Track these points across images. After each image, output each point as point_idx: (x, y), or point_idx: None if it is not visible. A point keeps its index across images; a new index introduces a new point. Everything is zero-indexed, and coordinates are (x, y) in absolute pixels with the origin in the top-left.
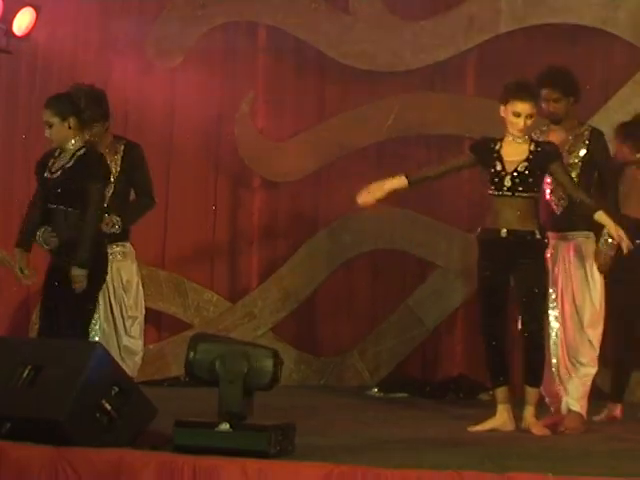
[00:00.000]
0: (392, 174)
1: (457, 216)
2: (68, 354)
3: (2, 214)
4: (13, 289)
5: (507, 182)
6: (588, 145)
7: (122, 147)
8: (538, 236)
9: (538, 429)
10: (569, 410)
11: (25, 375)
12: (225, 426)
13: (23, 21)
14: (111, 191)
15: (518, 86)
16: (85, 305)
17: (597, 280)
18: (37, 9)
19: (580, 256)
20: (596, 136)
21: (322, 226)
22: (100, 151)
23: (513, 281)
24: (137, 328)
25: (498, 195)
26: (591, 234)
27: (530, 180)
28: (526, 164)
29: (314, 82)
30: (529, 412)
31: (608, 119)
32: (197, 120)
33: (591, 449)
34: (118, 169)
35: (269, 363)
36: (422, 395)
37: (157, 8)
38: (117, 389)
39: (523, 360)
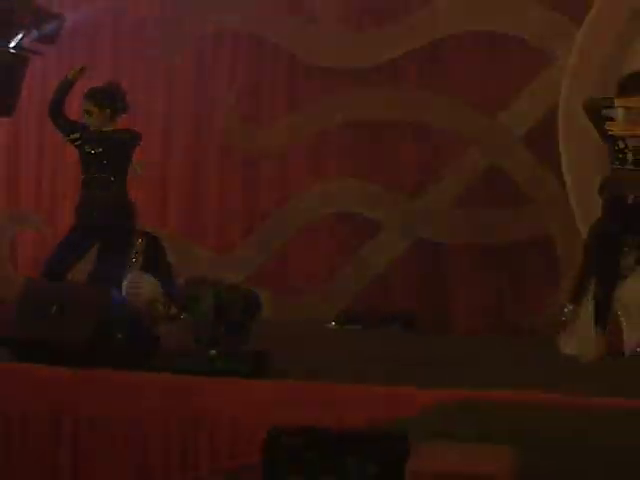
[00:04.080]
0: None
1: (400, 183)
2: (89, 295)
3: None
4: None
5: None
6: None
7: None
8: None
9: None
10: None
11: (53, 311)
12: (213, 352)
13: (51, 27)
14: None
15: None
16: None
17: None
18: (61, 18)
19: None
20: None
21: (292, 193)
22: None
23: None
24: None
25: None
26: None
27: None
28: None
29: (286, 78)
30: None
31: (520, 107)
32: (191, 107)
33: None
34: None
35: (246, 298)
36: (371, 326)
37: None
38: (128, 322)
39: None
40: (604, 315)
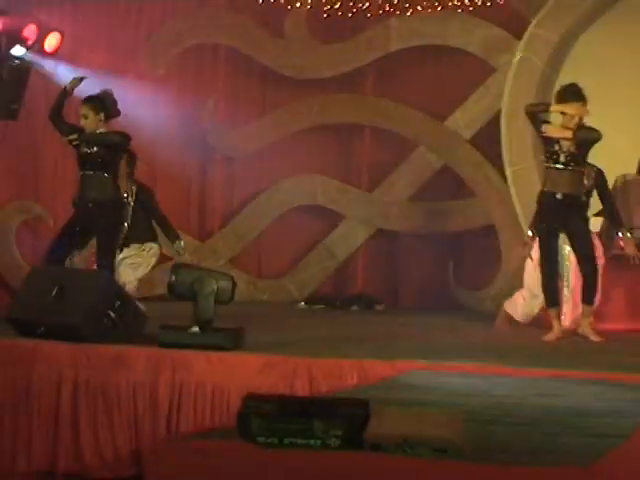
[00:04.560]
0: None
1: (359, 180)
2: (85, 278)
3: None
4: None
5: None
6: None
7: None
8: None
9: (594, 336)
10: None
11: (54, 293)
12: (195, 328)
13: (52, 42)
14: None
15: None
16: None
17: None
18: (61, 33)
19: None
20: None
21: (265, 188)
22: None
23: None
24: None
25: None
26: None
27: None
28: None
29: (259, 86)
30: (586, 323)
31: (466, 112)
32: (176, 112)
33: None
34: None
35: (229, 284)
36: (334, 307)
37: (148, 32)
38: (119, 303)
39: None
40: (548, 294)
